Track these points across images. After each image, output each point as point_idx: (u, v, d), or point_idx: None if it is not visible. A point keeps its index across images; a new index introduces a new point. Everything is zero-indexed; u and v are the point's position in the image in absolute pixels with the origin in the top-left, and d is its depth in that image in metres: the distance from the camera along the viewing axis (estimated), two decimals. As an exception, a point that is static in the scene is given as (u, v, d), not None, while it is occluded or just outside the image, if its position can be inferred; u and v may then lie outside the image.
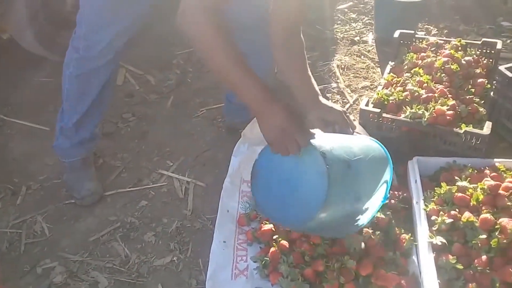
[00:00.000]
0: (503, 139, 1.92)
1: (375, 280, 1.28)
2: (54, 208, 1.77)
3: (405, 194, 1.54)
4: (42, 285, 1.50)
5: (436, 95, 1.76)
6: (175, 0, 1.13)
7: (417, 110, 1.70)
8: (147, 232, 1.66)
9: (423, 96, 1.76)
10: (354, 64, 2.59)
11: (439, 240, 1.31)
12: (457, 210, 1.38)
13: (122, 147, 2.06)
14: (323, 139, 1.15)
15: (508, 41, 2.74)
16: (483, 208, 1.35)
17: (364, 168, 1.20)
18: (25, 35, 2.34)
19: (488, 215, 1.30)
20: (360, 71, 2.53)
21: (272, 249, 1.39)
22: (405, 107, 1.75)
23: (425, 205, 1.43)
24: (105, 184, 1.86)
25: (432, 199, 1.45)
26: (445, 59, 1.92)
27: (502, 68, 1.88)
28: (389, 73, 2.02)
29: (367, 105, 1.80)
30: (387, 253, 1.35)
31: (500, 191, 1.37)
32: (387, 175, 1.29)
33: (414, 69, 1.95)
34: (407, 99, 1.79)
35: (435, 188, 1.48)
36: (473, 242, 1.29)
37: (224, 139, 2.05)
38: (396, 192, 1.54)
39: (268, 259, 1.37)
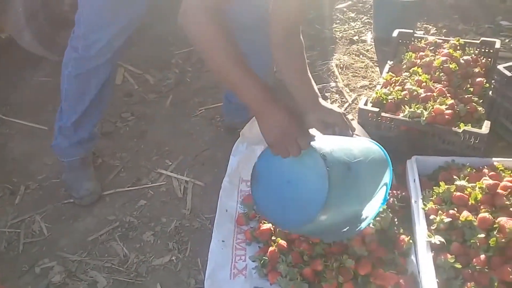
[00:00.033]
0: (501, 138, 1.92)
1: (373, 279, 1.28)
2: (53, 207, 1.77)
3: (403, 193, 1.54)
4: (41, 284, 1.50)
5: (434, 94, 1.76)
6: (175, 0, 1.13)
7: (415, 109, 1.70)
8: (145, 231, 1.66)
9: (422, 95, 1.76)
10: (353, 63, 2.59)
11: (437, 239, 1.31)
12: (455, 209, 1.38)
13: (121, 146, 2.06)
14: (323, 141, 1.15)
15: (507, 40, 2.74)
16: (482, 207, 1.35)
17: (364, 170, 1.20)
18: (23, 35, 2.35)
19: (486, 214, 1.30)
20: (359, 70, 2.53)
21: (271, 248, 1.39)
22: (404, 106, 1.75)
23: (424, 204, 1.43)
24: (104, 184, 1.86)
25: (431, 198, 1.45)
26: (444, 58, 1.92)
27: (500, 67, 1.88)
28: (388, 72, 2.02)
29: (366, 104, 1.80)
30: (386, 253, 1.35)
31: (499, 190, 1.37)
32: (387, 177, 1.29)
33: (412, 68, 1.95)
34: (405, 98, 1.79)
35: (434, 187, 1.48)
36: (471, 241, 1.29)
37: (223, 139, 2.05)
38: (394, 191, 1.54)
39: (266, 258, 1.37)
